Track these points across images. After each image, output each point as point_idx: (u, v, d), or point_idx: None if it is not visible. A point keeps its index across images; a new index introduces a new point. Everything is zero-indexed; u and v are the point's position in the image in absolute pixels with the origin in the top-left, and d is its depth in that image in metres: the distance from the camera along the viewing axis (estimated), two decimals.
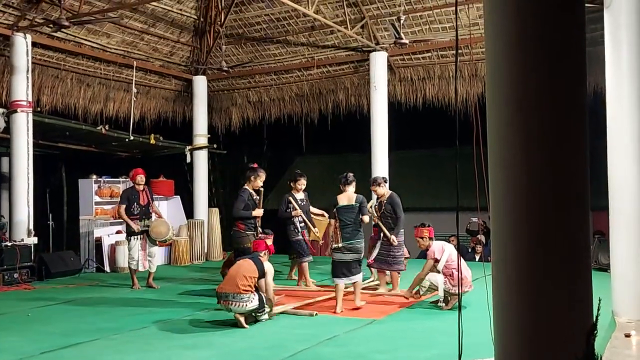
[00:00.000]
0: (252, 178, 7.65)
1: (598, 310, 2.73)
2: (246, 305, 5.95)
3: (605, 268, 8.07)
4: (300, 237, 8.31)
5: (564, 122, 2.63)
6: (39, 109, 10.56)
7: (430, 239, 6.91)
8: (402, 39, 9.45)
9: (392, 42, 10.56)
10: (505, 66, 2.70)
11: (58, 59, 11.12)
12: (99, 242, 10.73)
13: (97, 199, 11.10)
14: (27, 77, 9.58)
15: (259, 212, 7.56)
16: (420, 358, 4.86)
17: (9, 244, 9.09)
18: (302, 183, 8.40)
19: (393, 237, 7.50)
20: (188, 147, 12.90)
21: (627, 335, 5.33)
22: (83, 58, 11.48)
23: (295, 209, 8.24)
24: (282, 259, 9.32)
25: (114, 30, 11.43)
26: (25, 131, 9.51)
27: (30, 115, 9.62)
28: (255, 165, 7.88)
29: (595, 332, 2.61)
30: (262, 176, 7.70)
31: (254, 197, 7.64)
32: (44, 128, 10.31)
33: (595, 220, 9.11)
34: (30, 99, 9.63)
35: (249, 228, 7.49)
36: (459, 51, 11.05)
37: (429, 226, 7.00)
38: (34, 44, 9.93)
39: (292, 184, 8.55)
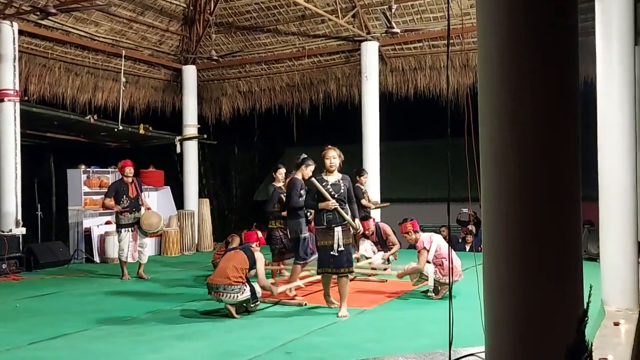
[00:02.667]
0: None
1: (589, 297, 2.73)
2: (237, 296, 5.95)
3: (594, 258, 8.12)
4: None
5: (556, 112, 2.62)
6: (26, 98, 10.45)
7: (416, 231, 6.92)
8: (393, 28, 9.42)
9: (383, 31, 10.53)
10: (497, 56, 2.68)
11: (45, 48, 10.98)
12: (88, 233, 10.66)
13: (86, 189, 11.03)
14: (14, 66, 9.45)
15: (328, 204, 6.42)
16: (411, 347, 4.87)
17: None
18: (308, 173, 7.06)
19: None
20: (178, 138, 12.83)
21: (616, 324, 5.39)
22: (71, 47, 11.35)
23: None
24: None
25: (103, 18, 11.29)
26: (13, 121, 9.41)
27: (18, 104, 9.51)
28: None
29: (586, 319, 2.62)
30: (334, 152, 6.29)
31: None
32: (31, 117, 10.20)
33: (585, 210, 9.13)
34: (17, 88, 9.51)
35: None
36: (451, 41, 11.02)
37: (411, 220, 6.99)
38: (20, 32, 9.79)
39: (274, 173, 8.14)
